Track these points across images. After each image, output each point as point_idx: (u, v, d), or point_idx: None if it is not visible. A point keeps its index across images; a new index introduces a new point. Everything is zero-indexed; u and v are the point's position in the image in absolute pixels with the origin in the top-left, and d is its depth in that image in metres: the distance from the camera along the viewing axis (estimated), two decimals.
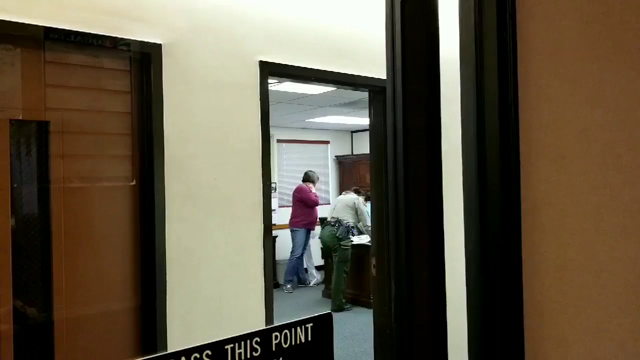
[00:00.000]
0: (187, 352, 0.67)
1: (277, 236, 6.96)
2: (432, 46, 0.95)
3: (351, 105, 5.97)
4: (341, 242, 6.02)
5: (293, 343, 0.77)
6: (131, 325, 2.18)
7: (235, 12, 2.39)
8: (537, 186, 0.87)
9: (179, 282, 2.21)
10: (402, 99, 0.91)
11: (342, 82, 2.90)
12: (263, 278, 2.52)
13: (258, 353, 0.72)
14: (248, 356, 0.72)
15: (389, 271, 3.17)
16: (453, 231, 1.10)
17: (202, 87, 2.28)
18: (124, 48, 2.00)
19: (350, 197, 6.44)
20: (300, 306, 6.20)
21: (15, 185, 1.88)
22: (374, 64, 2.93)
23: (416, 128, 0.91)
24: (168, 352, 0.67)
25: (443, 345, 0.92)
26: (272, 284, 2.59)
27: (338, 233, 6.04)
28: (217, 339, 0.71)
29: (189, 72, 2.23)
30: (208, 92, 2.31)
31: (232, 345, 0.70)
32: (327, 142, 8.64)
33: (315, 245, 7.25)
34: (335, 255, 6.09)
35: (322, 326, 0.80)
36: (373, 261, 3.23)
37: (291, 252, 7.00)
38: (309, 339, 0.78)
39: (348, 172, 8.56)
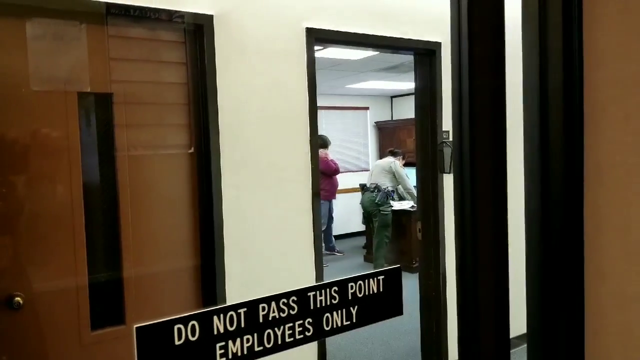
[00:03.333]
0: (277, 298, 0.74)
1: None
2: (497, 4, 0.95)
3: (392, 70, 5.89)
4: (380, 208, 6.03)
5: (367, 293, 0.83)
6: (193, 282, 2.34)
7: None
8: (601, 147, 0.89)
9: (235, 243, 2.34)
10: (467, 59, 0.93)
11: (387, 45, 2.88)
12: (312, 240, 2.62)
13: (336, 300, 0.79)
14: (328, 303, 0.79)
15: (436, 235, 3.21)
16: (514, 191, 1.12)
17: (251, 55, 2.34)
18: (179, 20, 2.07)
19: (387, 160, 6.35)
20: (343, 272, 6.34)
21: (84, 153, 2.02)
22: (418, 25, 2.89)
23: (482, 89, 0.93)
24: (258, 297, 0.74)
25: (505, 306, 0.96)
26: (321, 245, 2.69)
27: (377, 199, 6.04)
28: (304, 286, 0.78)
29: (239, 41, 2.29)
30: (257, 60, 2.36)
31: (314, 292, 0.78)
32: (366, 108, 8.59)
33: (353, 211, 7.29)
34: (376, 221, 6.14)
35: (392, 278, 0.87)
36: (418, 225, 3.28)
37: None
38: (381, 290, 0.85)
39: (388, 138, 8.51)
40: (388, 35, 2.81)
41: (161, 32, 2.07)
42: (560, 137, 0.98)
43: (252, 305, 0.72)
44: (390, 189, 6.05)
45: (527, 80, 1.02)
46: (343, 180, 7.19)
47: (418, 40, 2.93)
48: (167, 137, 2.21)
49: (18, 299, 1.91)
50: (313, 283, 2.58)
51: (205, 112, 2.22)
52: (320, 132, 7.90)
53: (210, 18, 2.18)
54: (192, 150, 2.24)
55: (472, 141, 0.89)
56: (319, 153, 6.40)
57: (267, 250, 2.46)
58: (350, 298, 0.81)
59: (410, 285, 5.34)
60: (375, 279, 0.84)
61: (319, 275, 2.64)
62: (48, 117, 1.93)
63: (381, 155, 8.07)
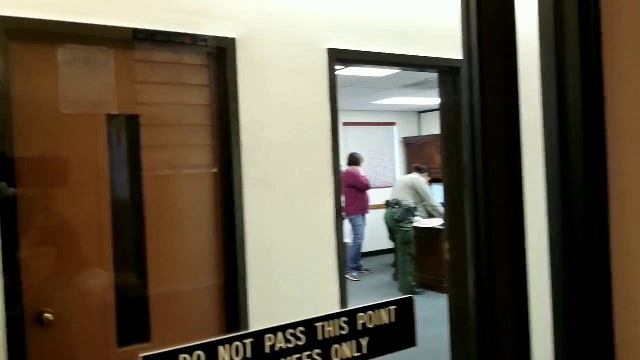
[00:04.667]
0: (283, 328, 0.73)
1: (344, 219, 7.00)
2: (509, 20, 0.93)
3: (417, 86, 5.86)
4: (400, 224, 5.91)
5: (377, 324, 0.81)
6: (216, 300, 2.35)
7: (303, 2, 2.45)
8: (626, 170, 0.85)
9: (258, 261, 2.34)
10: (478, 76, 0.90)
11: (409, 63, 2.87)
12: (336, 260, 2.60)
13: (346, 331, 0.78)
14: (337, 334, 0.77)
15: (465, 255, 3.12)
16: (533, 212, 1.08)
17: (273, 76, 2.37)
18: (202, 44, 2.12)
19: (410, 176, 6.27)
20: (369, 290, 6.24)
21: (112, 173, 2.08)
22: (441, 43, 2.88)
23: (494, 106, 0.90)
24: (266, 327, 0.73)
25: (525, 330, 0.92)
26: (344, 264, 2.66)
27: (396, 215, 5.94)
28: (308, 317, 0.77)
29: (261, 63, 2.32)
30: (279, 81, 2.39)
31: (322, 323, 0.76)
32: (393, 124, 8.55)
33: (381, 228, 7.21)
34: (397, 237, 6.04)
35: (404, 308, 0.84)
36: (446, 245, 3.21)
37: (353, 239, 6.82)
38: (393, 320, 0.83)
39: (415, 154, 8.43)
40: (410, 53, 2.80)
41: (185, 55, 2.13)
42: (580, 157, 0.94)
43: (257, 336, 0.71)
44: (411, 204, 5.92)
45: (545, 97, 0.99)
46: (371, 197, 7.16)
47: (441, 58, 2.90)
48: (191, 156, 2.25)
49: (48, 315, 1.96)
50: (337, 302, 2.57)
51: (227, 132, 2.25)
52: (346, 148, 7.94)
53: (232, 41, 2.23)
54: (215, 169, 2.27)
55: (485, 161, 0.86)
56: (352, 169, 6.54)
57: (290, 269, 2.45)
58: (360, 329, 0.79)
59: (440, 305, 5.22)
60: (386, 309, 0.82)
61: (343, 293, 2.62)
62: (78, 138, 2.00)
63: (408, 171, 8.00)
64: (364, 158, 6.89)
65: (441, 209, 5.78)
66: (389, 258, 7.36)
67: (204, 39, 2.11)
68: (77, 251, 2.05)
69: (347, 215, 6.75)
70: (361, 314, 0.80)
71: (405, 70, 3.15)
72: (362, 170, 6.74)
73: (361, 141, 8.08)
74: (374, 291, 6.09)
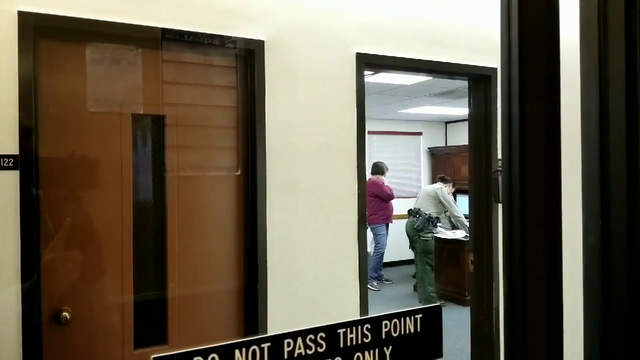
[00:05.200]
0: (304, 333, 0.70)
1: (367, 228, 6.92)
2: (552, 24, 0.88)
3: (446, 95, 5.78)
4: (420, 234, 5.82)
5: (402, 332, 0.77)
6: (235, 305, 2.33)
7: (333, 6, 2.42)
8: None
9: (279, 267, 2.31)
10: (518, 82, 0.86)
11: (440, 70, 2.82)
12: (358, 267, 2.55)
13: (369, 339, 0.74)
14: (359, 341, 0.73)
15: (489, 267, 3.04)
16: (569, 223, 1.02)
17: (301, 80, 2.35)
18: (231, 45, 2.12)
19: (434, 186, 6.18)
20: (389, 301, 6.16)
21: (136, 173, 2.08)
22: (473, 50, 2.81)
23: (534, 115, 0.85)
24: (286, 331, 0.70)
25: (559, 351, 0.86)
26: (366, 273, 2.61)
27: (416, 224, 5.86)
28: (330, 323, 0.73)
29: (289, 66, 2.31)
30: (307, 85, 2.37)
31: (344, 329, 0.72)
32: (419, 134, 8.46)
33: (403, 238, 7.12)
34: (416, 247, 5.94)
35: (431, 317, 0.80)
36: (470, 257, 3.12)
37: (375, 248, 6.77)
38: (418, 330, 0.78)
39: (441, 165, 8.32)
40: (441, 60, 2.74)
41: (213, 57, 2.13)
42: (622, 167, 0.89)
43: (276, 340, 0.68)
44: (433, 214, 5.83)
45: (586, 107, 0.94)
46: (394, 206, 7.07)
47: (472, 65, 2.84)
48: (216, 159, 2.24)
49: (65, 314, 1.97)
50: (357, 311, 2.51)
51: (253, 135, 2.24)
52: (372, 157, 7.89)
53: (261, 44, 2.22)
54: (239, 172, 2.26)
55: (522, 172, 0.81)
56: (376, 179, 6.50)
57: (311, 276, 2.41)
58: (384, 337, 0.74)
59: (463, 319, 5.10)
60: (412, 317, 0.77)
61: (364, 303, 2.56)
62: (103, 137, 2.01)
63: (433, 181, 7.88)
64: (389, 167, 6.82)
65: (464, 220, 5.67)
66: (411, 269, 7.25)
67: (232, 41, 2.10)
68: (98, 251, 2.05)
69: (370, 224, 6.68)
70: (386, 321, 0.76)
71: (436, 77, 3.10)
72: (387, 180, 6.67)
73: (387, 150, 8.01)
74: (395, 302, 6.00)
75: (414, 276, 6.91)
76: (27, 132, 1.81)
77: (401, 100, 6.20)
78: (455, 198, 7.38)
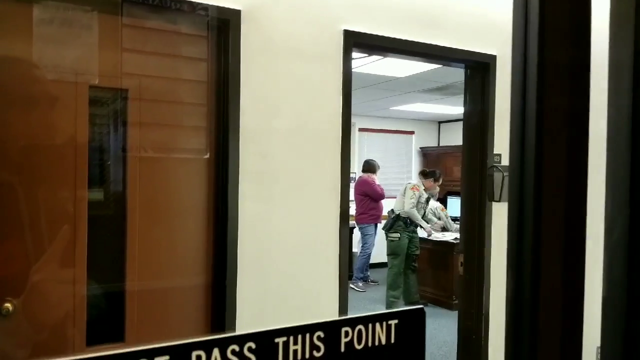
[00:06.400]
0: (223, 341, 0.49)
1: (354, 227, 6.70)
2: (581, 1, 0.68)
3: (439, 91, 5.59)
4: (388, 233, 5.54)
5: (370, 344, 0.56)
6: (202, 301, 2.11)
7: None
8: None
9: (251, 262, 2.10)
10: (536, 69, 0.66)
11: (436, 55, 2.61)
12: (337, 266, 2.34)
13: (320, 353, 0.52)
14: (306, 356, 0.52)
15: (479, 270, 2.85)
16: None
17: (281, 57, 2.13)
18: (202, 13, 1.90)
19: (409, 182, 5.93)
20: (374, 303, 5.96)
21: (93, 152, 1.86)
22: (471, 35, 2.62)
23: (554, 112, 0.66)
24: (200, 339, 0.49)
25: None
26: (347, 273, 2.40)
27: (384, 224, 5.64)
28: (267, 329, 0.52)
29: (268, 40, 2.09)
30: (287, 62, 2.15)
31: (284, 338, 0.51)
32: (411, 133, 8.27)
33: None
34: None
35: (412, 325, 0.59)
36: (460, 259, 2.93)
37: (362, 248, 6.54)
38: (392, 340, 0.57)
39: (433, 165, 8.12)
40: (436, 44, 2.54)
41: (182, 24, 1.90)
42: None
43: (179, 350, 0.47)
44: (403, 213, 5.46)
45: (614, 103, 0.77)
46: (384, 206, 6.86)
47: (471, 51, 2.64)
48: (182, 139, 2.01)
49: (7, 304, 1.75)
50: (336, 312, 2.30)
51: (225, 115, 2.02)
52: (362, 155, 7.68)
53: (237, 13, 2.00)
54: (208, 155, 2.03)
55: (537, 176, 0.62)
56: (367, 177, 6.22)
57: (286, 273, 2.20)
58: (343, 351, 0.53)
59: (449, 324, 4.91)
60: (384, 323, 0.56)
61: (343, 304, 2.35)
62: (55, 110, 1.78)
63: None
64: (380, 166, 6.59)
65: (415, 216, 5.42)
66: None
67: (204, 7, 1.88)
68: (46, 238, 1.83)
69: (358, 223, 6.46)
70: (347, 328, 0.55)
71: (430, 62, 2.90)
72: (378, 179, 6.43)
73: (378, 149, 7.81)
74: (380, 304, 5.79)
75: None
76: None
77: (393, 95, 6.00)
78: (445, 200, 7.19)
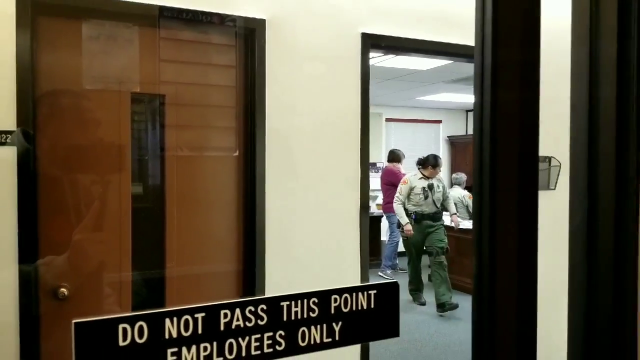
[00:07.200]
0: (242, 305, 0.67)
1: (382, 216, 6.84)
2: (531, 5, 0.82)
3: (465, 81, 5.63)
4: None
5: (354, 308, 0.73)
6: (233, 286, 2.32)
7: None
8: None
9: (278, 252, 2.29)
10: (490, 67, 0.80)
11: (451, 53, 2.72)
12: (359, 255, 2.50)
13: (315, 314, 0.70)
14: (305, 316, 0.70)
15: (492, 261, 2.95)
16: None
17: (303, 61, 2.30)
18: (230, 24, 2.08)
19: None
20: (402, 290, 6.09)
21: (134, 151, 2.08)
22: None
23: (507, 104, 0.80)
24: (227, 301, 0.68)
25: (531, 337, 0.82)
26: (367, 261, 2.56)
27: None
28: (274, 295, 0.70)
29: (291, 46, 2.26)
30: (309, 65, 2.32)
31: (288, 302, 0.69)
32: (439, 122, 8.30)
33: None
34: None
35: (387, 295, 0.76)
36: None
37: (390, 236, 6.66)
38: (372, 306, 0.75)
39: (461, 154, 8.16)
40: (452, 42, 2.65)
41: (212, 35, 2.10)
42: (612, 154, 0.85)
43: (211, 311, 0.65)
44: (408, 205, 5.44)
45: (575, 96, 0.90)
46: None
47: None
48: (214, 139, 2.22)
49: (63, 289, 1.98)
50: None
51: (252, 116, 2.21)
52: (389, 145, 7.77)
53: (262, 22, 2.18)
54: (237, 153, 2.23)
55: (492, 164, 0.77)
56: (393, 167, 6.32)
57: (310, 261, 2.38)
58: (333, 312, 0.71)
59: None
60: (365, 292, 0.74)
61: None
62: (102, 115, 2.01)
63: (452, 171, 7.74)
64: (406, 156, 6.69)
65: (399, 211, 5.35)
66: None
67: (232, 19, 2.07)
68: (96, 229, 2.06)
69: (385, 212, 6.58)
70: (335, 296, 0.72)
71: (447, 59, 3.00)
72: (404, 168, 6.53)
73: (404, 138, 7.89)
74: (407, 292, 5.93)
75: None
76: (24, 109, 1.82)
77: (418, 86, 6.07)
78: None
